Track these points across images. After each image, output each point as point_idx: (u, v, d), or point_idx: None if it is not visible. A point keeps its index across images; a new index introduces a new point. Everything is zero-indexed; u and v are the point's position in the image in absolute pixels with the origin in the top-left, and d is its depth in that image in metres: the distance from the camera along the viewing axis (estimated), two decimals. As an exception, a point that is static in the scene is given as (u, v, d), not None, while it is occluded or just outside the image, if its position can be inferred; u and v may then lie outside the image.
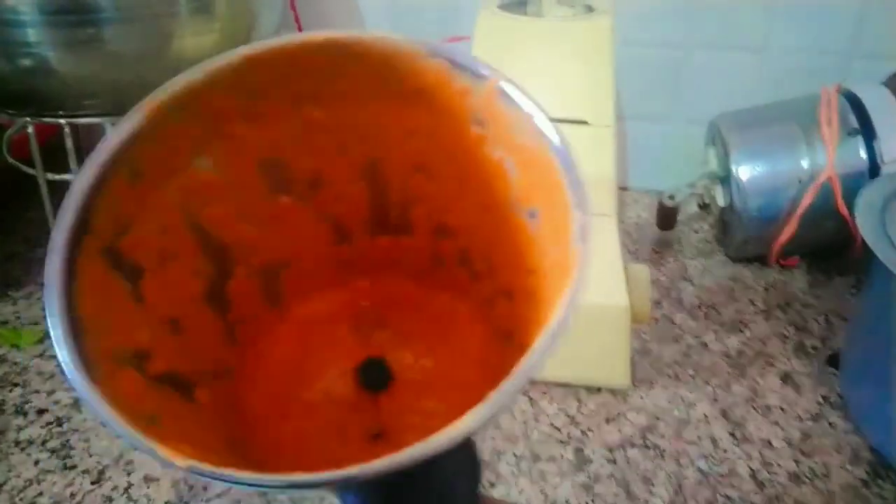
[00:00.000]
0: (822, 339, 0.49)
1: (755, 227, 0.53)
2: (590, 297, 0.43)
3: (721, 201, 0.55)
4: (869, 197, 0.40)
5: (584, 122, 0.48)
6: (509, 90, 0.19)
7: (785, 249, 0.54)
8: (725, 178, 0.54)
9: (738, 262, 0.58)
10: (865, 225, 0.38)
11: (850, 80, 0.54)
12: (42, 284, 0.17)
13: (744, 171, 0.52)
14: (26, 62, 0.43)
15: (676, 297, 0.54)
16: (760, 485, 0.38)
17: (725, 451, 0.40)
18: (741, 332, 0.50)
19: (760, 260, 0.56)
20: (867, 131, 0.50)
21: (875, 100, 0.50)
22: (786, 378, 0.45)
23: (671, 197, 0.56)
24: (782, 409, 0.43)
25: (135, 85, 0.46)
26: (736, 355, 0.47)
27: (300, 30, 0.66)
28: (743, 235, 0.54)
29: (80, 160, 0.50)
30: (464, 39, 0.56)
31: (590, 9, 0.51)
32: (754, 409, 0.43)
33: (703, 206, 0.61)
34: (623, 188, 0.70)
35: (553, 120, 0.52)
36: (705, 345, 0.48)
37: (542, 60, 0.47)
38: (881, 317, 0.39)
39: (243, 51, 0.19)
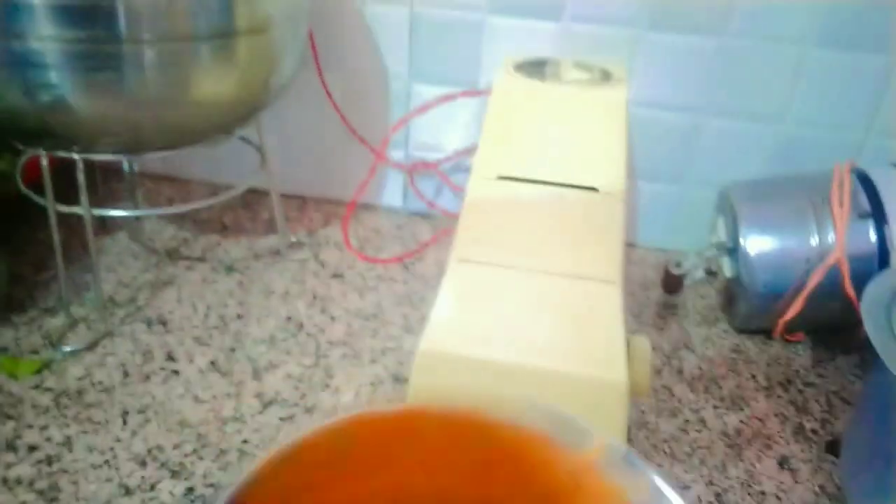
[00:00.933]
0: (822, 422, 0.48)
1: (761, 302, 0.52)
2: (588, 370, 0.43)
3: (728, 272, 0.55)
4: (875, 292, 0.40)
5: (595, 189, 0.48)
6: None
7: (790, 325, 0.53)
8: (733, 250, 0.53)
9: (743, 333, 0.57)
10: (870, 321, 0.37)
11: (864, 159, 0.54)
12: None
13: (752, 245, 0.51)
14: (45, 100, 0.43)
15: (677, 366, 0.53)
16: (751, 579, 0.37)
17: (718, 539, 0.40)
18: (741, 409, 0.49)
19: (765, 332, 0.56)
20: (878, 214, 0.49)
21: (888, 183, 0.50)
22: (783, 462, 0.45)
23: (678, 264, 0.56)
24: (778, 497, 0.42)
25: (151, 125, 0.47)
26: (734, 434, 0.47)
27: (320, 73, 0.66)
28: (748, 309, 0.53)
29: (93, 194, 0.50)
30: (482, 94, 0.56)
31: (606, 74, 0.51)
32: (749, 494, 0.42)
33: (711, 274, 0.61)
34: (631, 245, 0.70)
35: (563, 185, 0.51)
36: (703, 421, 0.48)
37: (555, 125, 0.47)
38: (883, 414, 0.39)
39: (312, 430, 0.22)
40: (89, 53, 0.41)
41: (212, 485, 0.40)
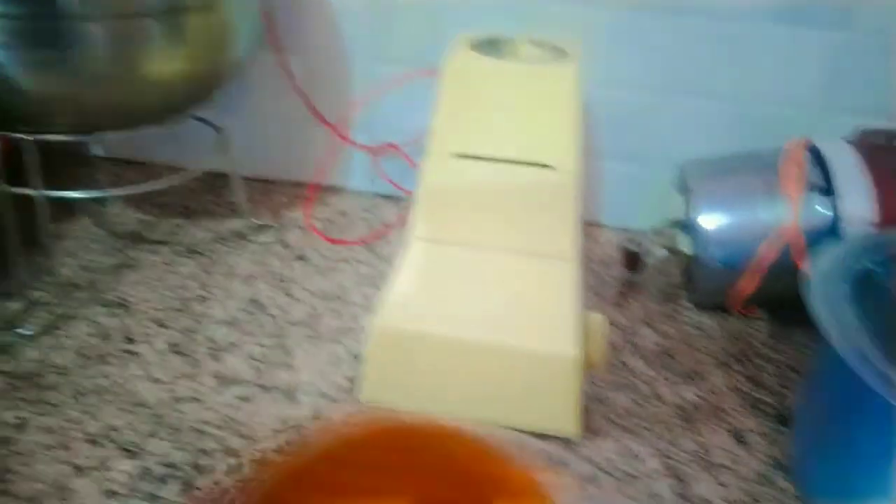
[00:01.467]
0: (777, 396, 0.49)
1: (717, 278, 0.53)
2: (541, 345, 0.43)
3: (686, 249, 0.55)
4: (820, 265, 0.40)
5: (549, 166, 0.48)
6: None
7: (747, 301, 0.54)
8: (690, 227, 0.54)
9: (702, 309, 0.58)
10: (814, 294, 0.38)
11: (818, 134, 0.55)
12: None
13: (707, 221, 0.52)
14: (-9, 79, 0.43)
15: (636, 342, 0.54)
16: (698, 547, 0.38)
17: (667, 509, 0.40)
18: (696, 383, 0.50)
19: (724, 308, 0.56)
20: (830, 189, 0.50)
21: (839, 157, 0.51)
22: (737, 435, 0.45)
23: (635, 242, 0.56)
24: (730, 468, 0.43)
25: (100, 105, 0.47)
26: (689, 408, 0.47)
27: (280, 54, 0.66)
28: (705, 284, 0.54)
29: (53, 177, 0.50)
30: (419, 75, 0.56)
31: (561, 51, 0.51)
32: (702, 466, 0.43)
33: (673, 252, 0.61)
34: (596, 224, 0.70)
35: (518, 162, 0.52)
36: (659, 395, 0.48)
37: (508, 102, 0.47)
38: (828, 385, 0.39)
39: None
40: (34, 30, 0.41)
41: (167, 464, 0.40)
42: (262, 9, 0.57)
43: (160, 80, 0.46)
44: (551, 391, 0.43)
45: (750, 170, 0.53)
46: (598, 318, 0.46)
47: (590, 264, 0.64)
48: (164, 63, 0.45)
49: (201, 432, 0.43)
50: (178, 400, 0.45)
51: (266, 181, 0.74)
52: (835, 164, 0.51)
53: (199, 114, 0.61)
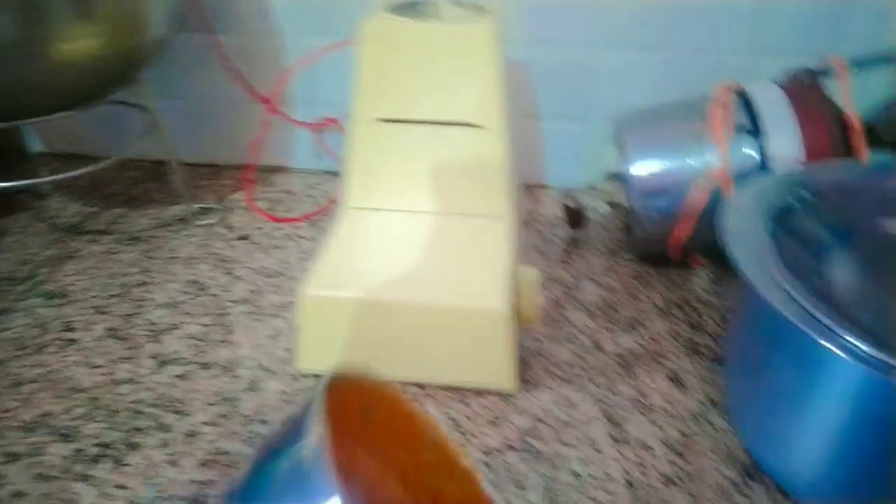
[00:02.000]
0: (715, 338, 0.49)
1: (652, 226, 0.53)
2: (472, 301, 0.43)
3: (624, 202, 0.55)
4: (739, 202, 0.40)
5: (474, 125, 0.48)
6: None
7: (687, 247, 0.54)
8: (624, 179, 0.54)
9: (645, 260, 0.58)
10: (729, 231, 0.38)
11: (750, 78, 0.55)
12: None
13: (638, 171, 0.52)
14: None
15: (578, 296, 0.54)
16: (631, 487, 0.38)
17: (602, 453, 0.40)
18: (637, 331, 0.50)
19: (667, 258, 0.57)
20: (757, 129, 0.50)
21: (765, 98, 0.51)
22: (674, 378, 0.46)
23: (573, 198, 0.56)
24: (665, 409, 0.43)
25: (12, 88, 0.46)
26: (628, 355, 0.48)
27: (211, 35, 0.65)
28: (642, 234, 0.54)
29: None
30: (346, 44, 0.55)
31: (481, 10, 0.51)
32: (638, 410, 0.43)
33: (613, 206, 0.62)
34: (542, 186, 0.70)
35: (443, 123, 0.51)
36: (599, 345, 0.49)
37: (429, 64, 0.47)
38: (749, 320, 0.40)
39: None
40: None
41: (100, 444, 0.40)
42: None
43: (72, 61, 0.45)
44: (485, 347, 0.43)
45: (679, 117, 0.53)
46: (529, 273, 0.46)
47: (535, 225, 0.64)
48: (74, 42, 0.44)
49: (137, 412, 0.42)
50: (115, 383, 0.45)
51: (212, 165, 0.73)
52: (761, 105, 0.51)
53: (131, 99, 0.60)
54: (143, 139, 0.60)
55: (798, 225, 0.41)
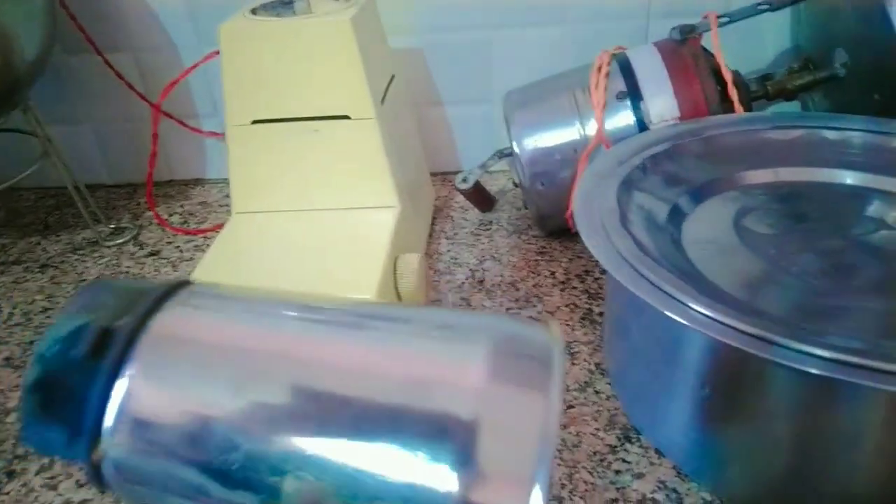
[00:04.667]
0: (611, 305, 0.49)
1: (545, 201, 0.53)
2: (342, 291, 0.43)
3: (516, 178, 0.55)
4: (594, 167, 0.40)
5: (346, 117, 0.48)
6: None
7: (585, 218, 0.54)
8: (514, 155, 0.54)
9: (550, 235, 0.58)
10: (577, 197, 0.38)
11: (642, 44, 0.54)
12: None
13: (525, 147, 0.52)
14: None
15: (480, 277, 0.54)
16: (509, 462, 0.38)
17: (484, 431, 0.40)
18: (534, 305, 0.50)
19: (570, 232, 0.57)
20: (636, 94, 0.50)
21: (643, 62, 0.50)
22: (565, 347, 0.46)
23: (464, 180, 0.56)
24: (553, 381, 0.43)
25: None
26: (522, 331, 0.48)
27: (82, 31, 0.64)
28: (536, 210, 0.54)
29: None
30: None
31: (355, 2, 0.51)
32: (526, 384, 0.43)
33: (517, 185, 0.61)
34: (458, 172, 0.70)
35: (315, 118, 0.51)
36: (495, 324, 0.49)
37: (292, 60, 0.47)
38: (612, 287, 0.40)
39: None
40: None
41: (-14, 475, 0.40)
42: (52, 10, 0.56)
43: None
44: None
45: (560, 89, 0.52)
46: (409, 258, 0.46)
47: (447, 211, 0.64)
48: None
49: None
50: (4, 412, 0.45)
51: (128, 185, 0.73)
52: (640, 68, 0.50)
53: (24, 126, 0.60)
54: (36, 165, 0.60)
55: (649, 185, 0.40)
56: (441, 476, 0.18)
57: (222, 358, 0.21)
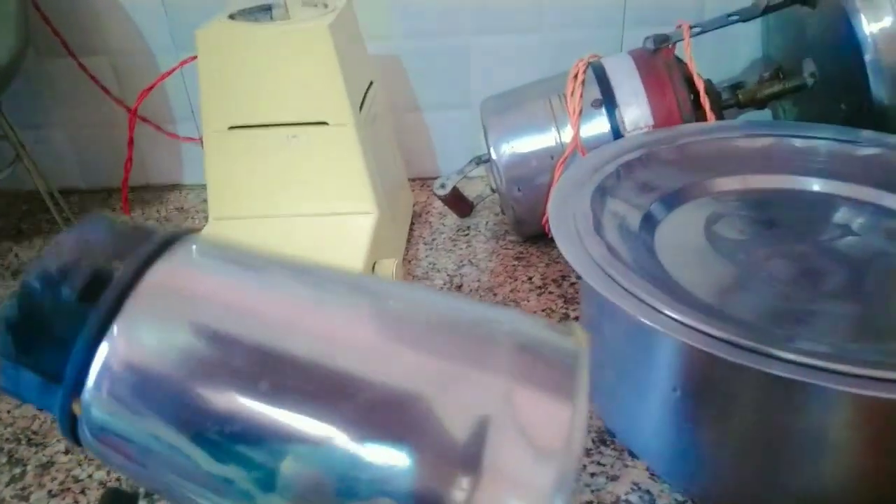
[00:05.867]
0: (587, 310, 0.50)
1: (522, 207, 0.53)
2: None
3: (493, 184, 0.55)
4: (568, 175, 0.41)
5: (324, 123, 0.48)
6: None
7: (561, 224, 0.54)
8: (491, 161, 0.54)
9: (529, 240, 0.58)
10: (552, 205, 0.38)
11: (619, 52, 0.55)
12: None
13: (501, 153, 0.52)
14: None
15: (458, 283, 0.54)
16: (485, 466, 0.38)
17: (461, 435, 0.41)
18: (511, 311, 0.50)
19: (546, 236, 0.57)
20: (610, 101, 0.50)
21: (617, 69, 0.51)
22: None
23: (442, 185, 0.56)
24: (529, 385, 0.44)
25: None
26: (499, 336, 0.48)
27: (57, 35, 0.63)
28: (513, 215, 0.54)
29: None
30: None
31: (330, 7, 0.51)
32: (502, 389, 0.44)
33: (494, 190, 0.62)
34: (436, 177, 0.70)
35: (293, 124, 0.51)
36: (472, 329, 0.49)
37: (269, 66, 0.47)
38: (585, 291, 0.40)
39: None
40: None
41: (-44, 484, 0.40)
42: (25, 13, 0.56)
43: None
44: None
45: (537, 95, 0.53)
46: (386, 264, 0.46)
47: (426, 216, 0.64)
48: None
49: (-8, 447, 0.42)
50: (-23, 421, 0.44)
51: (105, 189, 0.73)
52: (614, 75, 0.51)
53: (-3, 132, 0.59)
54: (8, 170, 0.59)
55: (622, 192, 0.41)
56: (451, 477, 0.16)
57: (232, 319, 0.19)
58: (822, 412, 0.29)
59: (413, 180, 0.69)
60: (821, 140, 0.43)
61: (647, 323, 0.29)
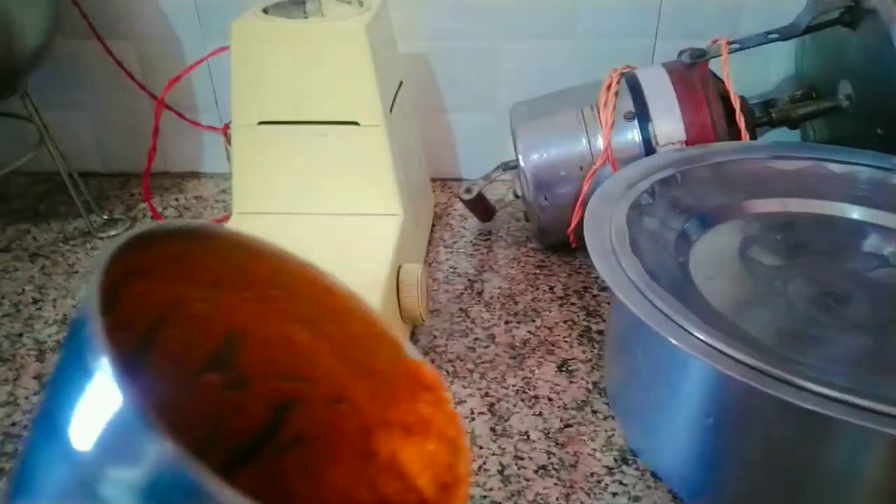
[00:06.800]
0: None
1: (547, 216, 0.53)
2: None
3: (519, 190, 0.55)
4: (603, 190, 0.40)
5: (355, 123, 0.47)
6: None
7: (580, 234, 0.54)
8: (519, 168, 0.54)
9: (550, 249, 0.58)
10: (588, 221, 0.38)
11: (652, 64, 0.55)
12: None
13: (530, 160, 0.52)
14: None
15: (479, 289, 0.54)
16: (506, 480, 0.38)
17: (481, 447, 0.40)
18: (533, 321, 0.50)
19: (570, 246, 0.57)
20: (643, 114, 0.50)
21: (652, 82, 0.51)
22: (562, 366, 0.46)
23: (467, 190, 0.56)
24: (550, 398, 0.43)
25: None
26: (520, 345, 0.48)
27: (84, 18, 0.63)
28: (538, 224, 0.54)
29: None
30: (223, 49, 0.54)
31: (364, 4, 0.50)
32: (523, 400, 0.43)
33: (518, 196, 0.61)
34: (457, 179, 0.70)
35: (323, 123, 0.50)
36: (493, 337, 0.49)
37: (302, 63, 0.46)
38: (615, 307, 0.40)
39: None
40: None
41: (-28, 471, 0.39)
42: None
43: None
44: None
45: (569, 105, 0.52)
46: (411, 270, 0.46)
47: (446, 219, 0.64)
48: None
49: (9, 435, 0.42)
50: (-7, 406, 0.44)
51: (122, 174, 0.72)
52: (647, 88, 0.51)
53: (20, 111, 0.59)
54: (32, 151, 0.59)
55: (657, 210, 0.41)
56: None
57: None
58: (847, 446, 0.29)
59: (433, 181, 0.69)
60: (859, 166, 0.43)
61: (692, 354, 0.29)
